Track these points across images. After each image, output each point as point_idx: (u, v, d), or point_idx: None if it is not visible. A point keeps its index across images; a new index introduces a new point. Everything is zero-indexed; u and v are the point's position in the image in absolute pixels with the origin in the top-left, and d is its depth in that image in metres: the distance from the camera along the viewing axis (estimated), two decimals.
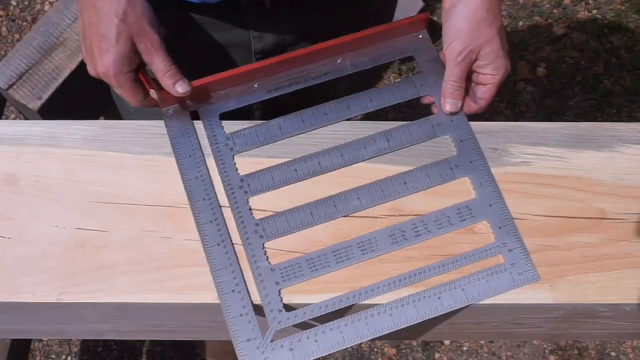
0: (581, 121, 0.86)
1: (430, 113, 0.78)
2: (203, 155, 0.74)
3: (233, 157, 0.74)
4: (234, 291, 0.68)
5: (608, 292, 0.69)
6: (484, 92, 0.76)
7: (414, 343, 1.71)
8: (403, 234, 0.71)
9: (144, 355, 1.70)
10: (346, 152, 0.75)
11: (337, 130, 0.77)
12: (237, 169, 0.74)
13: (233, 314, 0.67)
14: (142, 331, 0.80)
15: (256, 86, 0.77)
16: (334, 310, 0.68)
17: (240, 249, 0.70)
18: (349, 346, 0.66)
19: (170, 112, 0.76)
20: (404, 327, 0.67)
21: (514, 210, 0.72)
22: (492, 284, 0.69)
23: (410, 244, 0.71)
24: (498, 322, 0.74)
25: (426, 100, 0.79)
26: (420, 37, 0.80)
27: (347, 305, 0.68)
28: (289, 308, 0.68)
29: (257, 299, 0.68)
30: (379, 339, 0.68)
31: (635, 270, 0.70)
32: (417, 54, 0.80)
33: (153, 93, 0.73)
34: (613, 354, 1.71)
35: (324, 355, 0.66)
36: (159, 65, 0.72)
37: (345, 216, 0.72)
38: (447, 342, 1.72)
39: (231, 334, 0.66)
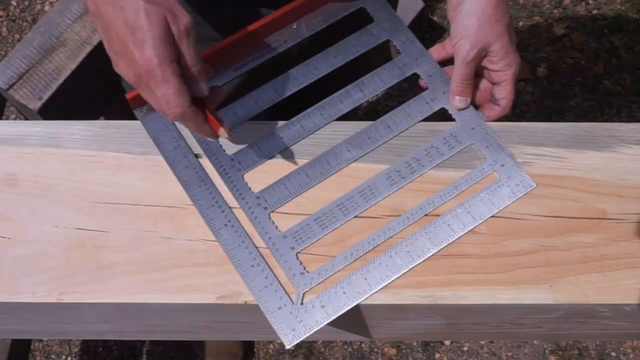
0: (581, 121, 0.86)
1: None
2: (187, 145, 0.75)
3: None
4: (252, 266, 0.69)
5: (608, 292, 0.69)
6: (501, 90, 0.76)
7: (414, 343, 1.71)
8: (399, 173, 0.74)
9: (144, 355, 1.70)
10: (324, 110, 0.77)
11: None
12: (224, 150, 0.75)
13: (257, 287, 0.68)
14: (142, 331, 0.80)
15: (221, 68, 0.79)
16: (353, 259, 0.69)
17: (247, 226, 0.71)
18: (375, 291, 0.68)
19: (144, 110, 0.76)
20: (422, 260, 0.69)
21: (514, 211, 0.72)
22: (494, 200, 0.72)
23: (408, 181, 0.73)
24: (498, 322, 0.74)
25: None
26: None
27: (365, 252, 0.70)
28: (310, 269, 0.69)
29: (279, 272, 0.69)
30: (400, 281, 0.69)
31: (635, 270, 0.70)
32: (366, 5, 0.82)
33: (222, 131, 0.69)
34: (613, 354, 1.71)
35: (354, 304, 0.68)
36: (190, 53, 0.62)
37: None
38: (447, 342, 1.72)
39: (261, 307, 0.67)
